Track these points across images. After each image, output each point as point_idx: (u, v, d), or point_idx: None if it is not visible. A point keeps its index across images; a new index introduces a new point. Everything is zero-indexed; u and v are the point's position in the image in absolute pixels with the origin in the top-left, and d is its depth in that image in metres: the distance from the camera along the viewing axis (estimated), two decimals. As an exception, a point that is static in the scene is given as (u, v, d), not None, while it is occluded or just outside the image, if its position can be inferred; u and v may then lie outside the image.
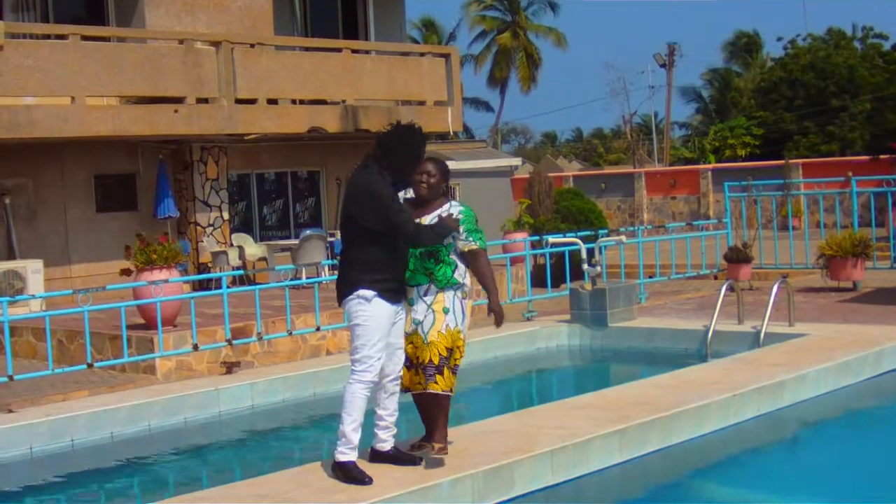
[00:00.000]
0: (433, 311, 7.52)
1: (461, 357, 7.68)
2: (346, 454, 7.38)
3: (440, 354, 7.50)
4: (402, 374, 7.63)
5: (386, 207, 7.28)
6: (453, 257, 7.58)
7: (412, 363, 7.63)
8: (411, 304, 7.58)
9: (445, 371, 7.52)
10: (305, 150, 22.85)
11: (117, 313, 12.94)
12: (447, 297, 7.54)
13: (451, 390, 7.59)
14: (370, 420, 7.60)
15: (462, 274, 7.62)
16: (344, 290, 7.47)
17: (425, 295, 7.55)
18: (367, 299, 7.32)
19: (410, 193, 7.66)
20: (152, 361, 13.36)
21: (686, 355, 13.17)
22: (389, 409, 7.61)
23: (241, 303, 15.34)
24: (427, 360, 7.51)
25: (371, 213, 7.30)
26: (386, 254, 7.34)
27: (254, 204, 22.66)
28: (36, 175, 19.45)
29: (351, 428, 7.36)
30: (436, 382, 7.51)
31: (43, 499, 9.56)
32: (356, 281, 7.37)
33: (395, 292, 7.43)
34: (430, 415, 7.70)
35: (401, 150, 7.43)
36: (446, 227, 7.49)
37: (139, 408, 11.07)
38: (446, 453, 7.58)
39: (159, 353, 13.16)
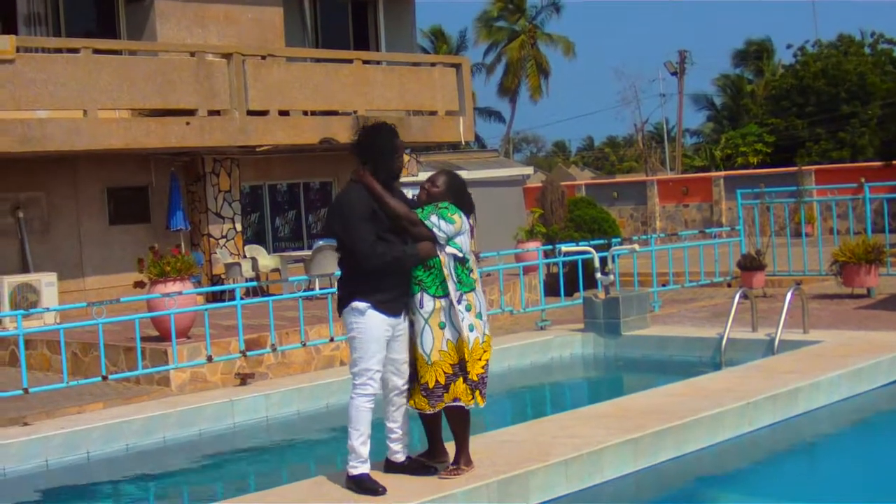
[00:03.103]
0: (430, 326, 7.37)
1: (483, 368, 7.43)
2: (358, 468, 7.37)
3: (445, 373, 7.37)
4: (409, 392, 7.56)
5: (351, 230, 7.25)
6: (444, 260, 7.35)
7: (417, 382, 7.50)
8: (413, 315, 7.45)
9: (451, 386, 7.38)
10: (317, 161, 22.90)
11: (131, 325, 12.97)
12: (443, 311, 7.36)
13: (466, 400, 7.41)
14: (383, 431, 7.61)
15: (455, 275, 7.37)
16: (341, 302, 7.47)
17: (421, 307, 7.40)
18: (361, 311, 7.30)
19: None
20: (167, 373, 13.38)
21: (700, 363, 13.15)
22: (399, 422, 7.59)
23: (255, 314, 15.36)
24: (433, 383, 7.40)
25: (344, 234, 7.30)
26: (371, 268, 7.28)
27: (266, 215, 22.70)
28: (49, 188, 19.53)
29: (359, 442, 7.35)
30: (442, 400, 7.42)
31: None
32: (351, 293, 7.36)
33: (392, 304, 7.35)
34: (452, 431, 7.64)
35: (373, 150, 7.47)
36: (416, 257, 7.34)
37: (154, 420, 11.08)
38: (458, 475, 7.51)
39: (174, 365, 13.18)
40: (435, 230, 7.34)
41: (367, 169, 7.44)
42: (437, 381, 7.40)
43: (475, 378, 7.40)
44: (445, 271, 7.36)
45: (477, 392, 7.44)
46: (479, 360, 7.43)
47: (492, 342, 7.62)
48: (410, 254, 7.32)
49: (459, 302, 7.37)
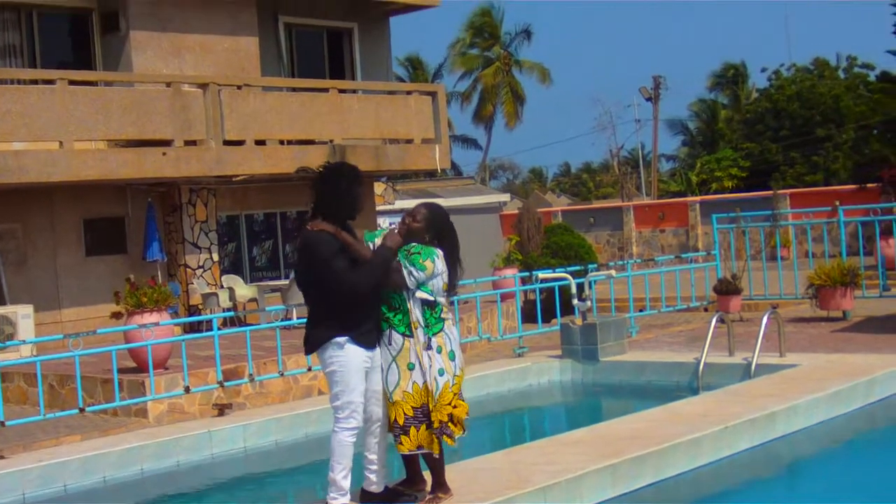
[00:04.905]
0: (397, 364, 7.33)
1: (447, 416, 7.34)
2: (338, 499, 7.36)
3: (405, 414, 7.33)
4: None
5: (331, 272, 7.18)
6: (411, 303, 7.30)
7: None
8: (381, 349, 7.41)
9: (412, 430, 7.34)
10: (294, 191, 22.88)
11: (108, 357, 12.91)
12: (412, 351, 7.32)
13: (424, 448, 7.38)
14: (361, 461, 7.59)
15: (424, 319, 7.32)
16: (316, 339, 7.38)
17: (389, 343, 7.37)
18: (341, 345, 7.26)
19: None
20: (144, 404, 13.34)
21: (678, 388, 13.17)
22: (379, 453, 7.58)
23: (233, 344, 15.31)
24: (392, 420, 7.40)
25: (325, 274, 7.23)
26: (352, 302, 7.26)
27: (243, 245, 22.66)
28: (25, 220, 19.46)
29: (341, 476, 7.33)
30: (401, 443, 7.40)
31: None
32: (328, 328, 7.29)
33: (368, 337, 7.33)
34: (425, 464, 7.65)
35: (331, 192, 7.31)
36: (390, 250, 7.25)
37: (131, 451, 11.02)
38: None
39: (151, 397, 13.13)
40: (407, 276, 7.28)
41: (320, 210, 7.31)
42: (395, 419, 7.39)
43: (437, 425, 7.35)
44: (414, 315, 7.32)
45: (436, 440, 7.40)
46: (449, 404, 7.37)
47: (463, 380, 7.52)
48: (385, 255, 7.26)
49: (430, 347, 7.34)
